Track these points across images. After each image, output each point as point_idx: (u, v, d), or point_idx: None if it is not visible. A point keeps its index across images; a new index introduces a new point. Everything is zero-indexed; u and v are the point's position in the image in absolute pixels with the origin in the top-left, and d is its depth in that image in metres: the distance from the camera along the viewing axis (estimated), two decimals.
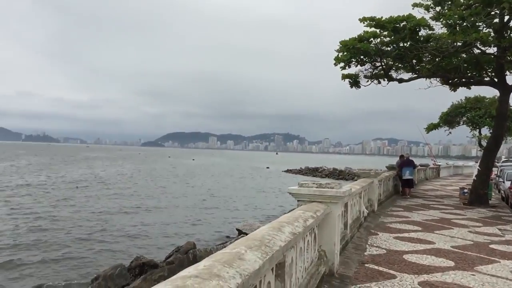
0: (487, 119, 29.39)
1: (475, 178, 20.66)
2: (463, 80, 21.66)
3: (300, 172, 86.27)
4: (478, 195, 20.14)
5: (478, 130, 33.44)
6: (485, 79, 20.95)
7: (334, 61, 20.23)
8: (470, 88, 23.40)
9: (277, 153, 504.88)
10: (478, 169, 20.68)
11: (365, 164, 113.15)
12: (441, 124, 32.45)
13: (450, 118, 31.88)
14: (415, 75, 21.02)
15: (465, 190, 21.35)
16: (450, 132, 33.10)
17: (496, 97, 24.90)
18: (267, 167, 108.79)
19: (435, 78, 21.79)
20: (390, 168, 24.60)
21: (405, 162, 24.19)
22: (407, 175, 23.46)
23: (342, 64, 20.29)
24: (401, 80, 21.39)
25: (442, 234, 12.48)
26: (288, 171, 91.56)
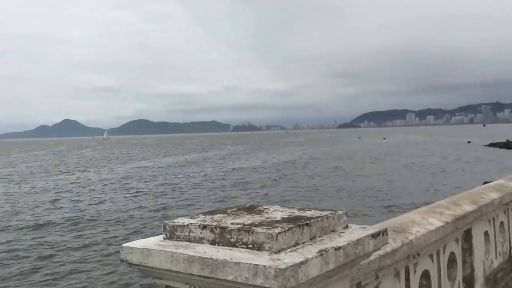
0: None
1: None
2: None
3: (507, 145, 73.63)
4: None
5: None
6: None
7: None
8: None
9: (484, 125, 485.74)
10: None
11: None
12: None
13: None
14: None
15: None
16: None
17: None
18: (468, 142, 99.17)
19: None
20: None
21: None
22: None
23: None
24: None
25: None
26: (491, 144, 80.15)
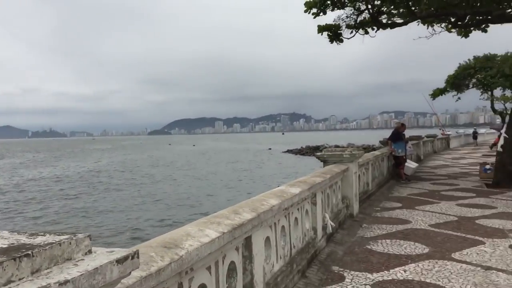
0: (500, 79, 26.37)
1: (501, 150, 15.81)
2: (477, 18, 16.32)
3: (300, 151, 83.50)
4: (506, 172, 15.31)
5: (490, 92, 32.79)
6: (510, 11, 15.47)
7: (305, 7, 15.77)
8: (486, 31, 17.35)
9: (283, 133, 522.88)
10: (504, 136, 15.73)
11: (370, 138, 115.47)
12: (448, 89, 30.29)
13: (458, 82, 29.82)
14: (412, 19, 16.50)
15: (488, 166, 16.76)
16: (459, 98, 31.28)
17: (509, 53, 24.98)
18: (269, 148, 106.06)
19: (437, 23, 17.65)
20: (384, 142, 19.65)
21: (396, 135, 18.17)
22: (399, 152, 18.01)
23: (315, 10, 15.74)
24: (393, 25, 16.77)
25: (471, 264, 6.79)
26: (288, 151, 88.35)
